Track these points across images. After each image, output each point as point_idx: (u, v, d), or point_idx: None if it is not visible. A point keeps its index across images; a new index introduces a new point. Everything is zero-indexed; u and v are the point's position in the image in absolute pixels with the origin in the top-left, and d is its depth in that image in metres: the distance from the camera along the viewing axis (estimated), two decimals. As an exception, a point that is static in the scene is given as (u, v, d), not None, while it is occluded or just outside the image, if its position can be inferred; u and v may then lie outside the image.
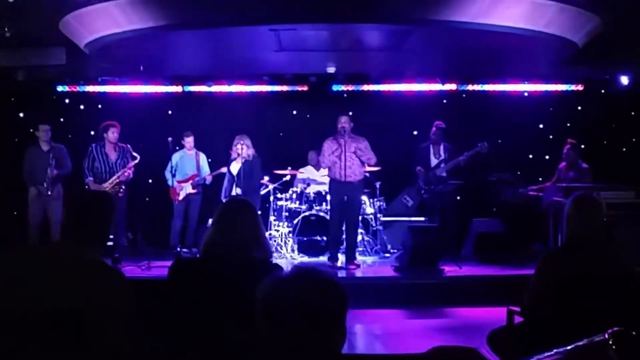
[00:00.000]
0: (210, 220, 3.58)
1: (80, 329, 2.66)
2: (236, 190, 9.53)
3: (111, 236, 9.13)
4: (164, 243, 10.33)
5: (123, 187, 9.23)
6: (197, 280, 3.30)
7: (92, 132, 10.86)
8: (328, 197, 9.73)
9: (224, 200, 8.51)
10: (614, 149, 11.84)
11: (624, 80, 10.94)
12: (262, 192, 10.53)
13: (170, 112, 11.80)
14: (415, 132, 11.55)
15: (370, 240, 10.48)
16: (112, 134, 9.33)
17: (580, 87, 11.52)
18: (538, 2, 7.98)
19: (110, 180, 9.18)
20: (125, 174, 9.25)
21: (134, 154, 9.39)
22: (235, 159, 9.58)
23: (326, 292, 1.91)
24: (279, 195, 10.61)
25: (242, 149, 9.41)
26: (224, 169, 9.98)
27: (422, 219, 10.38)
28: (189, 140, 10.42)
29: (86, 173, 9.23)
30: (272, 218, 10.53)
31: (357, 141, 9.02)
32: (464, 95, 11.71)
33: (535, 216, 9.58)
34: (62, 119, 11.42)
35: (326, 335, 1.90)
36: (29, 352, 2.61)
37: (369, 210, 10.50)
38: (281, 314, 1.88)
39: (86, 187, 9.12)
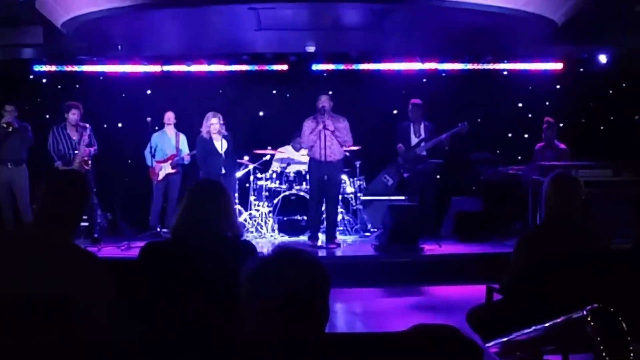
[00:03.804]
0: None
1: (58, 313, 2.65)
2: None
3: (85, 217, 9.09)
4: (144, 223, 10.28)
5: (89, 162, 9.20)
6: (169, 261, 3.28)
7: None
8: (308, 177, 9.72)
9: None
10: (592, 127, 11.91)
11: (603, 59, 10.98)
12: (242, 171, 10.51)
13: (149, 91, 11.70)
14: (395, 112, 11.53)
15: (351, 219, 10.50)
16: (73, 115, 9.27)
17: (559, 66, 11.55)
18: (518, -19, 7.99)
19: (76, 161, 9.14)
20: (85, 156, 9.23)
21: (93, 139, 9.36)
22: (206, 134, 9.37)
23: (309, 272, 1.92)
24: (258, 175, 10.55)
25: (220, 125, 9.24)
26: None
27: (402, 198, 10.39)
28: (169, 116, 10.28)
29: (54, 157, 9.21)
30: (252, 198, 10.49)
31: (337, 121, 8.99)
32: (443, 75, 11.70)
33: (515, 195, 9.61)
34: (39, 99, 11.30)
35: (310, 315, 1.91)
36: (8, 338, 2.60)
37: (349, 189, 10.50)
38: (265, 296, 1.89)
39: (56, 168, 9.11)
